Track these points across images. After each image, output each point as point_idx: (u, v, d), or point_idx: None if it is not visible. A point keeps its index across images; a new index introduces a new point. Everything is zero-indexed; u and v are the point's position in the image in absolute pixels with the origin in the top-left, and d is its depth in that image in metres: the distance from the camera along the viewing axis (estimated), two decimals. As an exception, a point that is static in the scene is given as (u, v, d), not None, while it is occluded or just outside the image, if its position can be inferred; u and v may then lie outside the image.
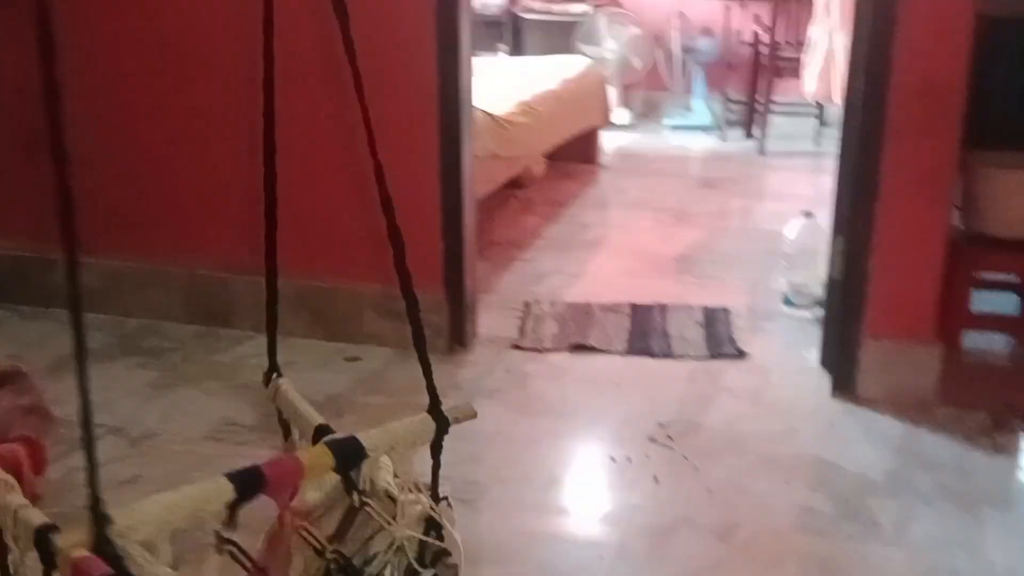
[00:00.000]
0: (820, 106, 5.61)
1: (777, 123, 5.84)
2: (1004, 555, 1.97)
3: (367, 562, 1.31)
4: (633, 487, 2.22)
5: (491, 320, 3.14)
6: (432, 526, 1.33)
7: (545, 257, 3.78)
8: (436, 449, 1.38)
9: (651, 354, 2.90)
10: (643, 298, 3.28)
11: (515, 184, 4.56)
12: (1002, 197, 2.80)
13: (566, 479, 2.28)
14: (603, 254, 3.85)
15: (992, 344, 2.98)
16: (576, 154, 5.14)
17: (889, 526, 2.07)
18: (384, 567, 1.31)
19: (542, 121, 4.16)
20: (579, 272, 3.62)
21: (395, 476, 1.36)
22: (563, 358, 2.89)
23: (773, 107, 5.61)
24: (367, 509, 1.31)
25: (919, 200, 2.44)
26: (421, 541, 1.32)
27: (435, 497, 1.36)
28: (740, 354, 2.88)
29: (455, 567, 1.33)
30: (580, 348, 2.93)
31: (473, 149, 2.92)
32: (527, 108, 4.03)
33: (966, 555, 1.97)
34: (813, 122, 5.73)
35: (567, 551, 2.04)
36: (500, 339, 3.02)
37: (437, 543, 1.33)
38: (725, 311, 3.17)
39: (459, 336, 2.94)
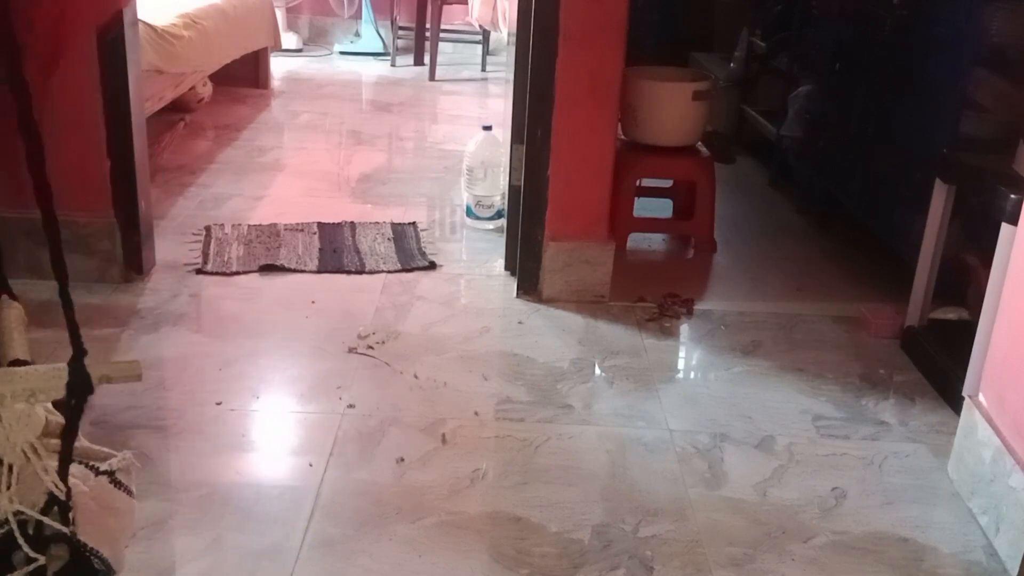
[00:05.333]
0: (486, 33, 5.78)
1: (445, 49, 5.96)
2: (677, 420, 2.19)
3: None
4: (338, 396, 2.21)
5: (169, 246, 2.96)
6: (56, 503, 1.11)
7: (222, 181, 3.61)
8: (71, 412, 1.09)
9: (344, 270, 2.87)
10: (330, 217, 3.24)
11: (181, 107, 4.29)
12: (657, 108, 3.06)
13: (268, 395, 2.22)
14: (283, 177, 3.74)
15: (652, 243, 3.29)
16: (245, 78, 4.95)
17: (579, 407, 2.23)
18: None
19: (207, 36, 3.92)
20: (260, 195, 3.49)
21: (44, 436, 1.12)
22: (253, 279, 2.79)
23: (441, 34, 5.70)
24: None
25: (590, 107, 2.60)
26: (42, 521, 1.11)
27: (64, 468, 1.12)
28: (431, 265, 2.94)
29: (65, 558, 1.13)
30: (270, 269, 2.84)
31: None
32: (190, 21, 3.79)
33: (646, 423, 2.18)
34: (479, 48, 5.90)
35: (277, 462, 1.99)
36: (181, 265, 2.85)
37: (55, 525, 1.11)
38: (413, 225, 3.21)
39: (135, 263, 2.74)
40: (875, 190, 2.97)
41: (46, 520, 1.10)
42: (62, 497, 1.10)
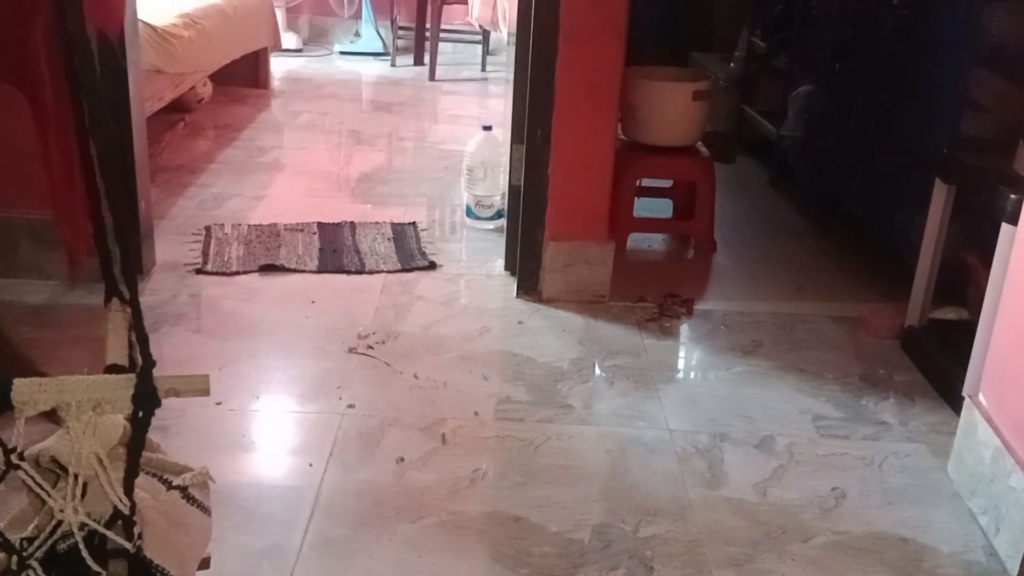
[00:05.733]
0: (486, 33, 5.78)
1: (445, 49, 5.96)
2: (677, 420, 2.19)
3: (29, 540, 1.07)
4: (338, 396, 2.21)
5: (168, 247, 2.96)
6: (120, 517, 1.08)
7: (222, 181, 3.61)
8: (137, 425, 1.04)
9: (344, 270, 2.87)
10: (330, 217, 3.24)
11: (181, 107, 4.29)
12: (657, 107, 3.06)
13: (268, 395, 2.22)
14: (283, 176, 3.74)
15: (652, 243, 3.29)
16: (245, 78, 4.94)
17: (579, 406, 2.23)
18: (40, 547, 1.07)
19: (207, 36, 3.93)
20: (260, 195, 3.49)
21: (120, 446, 1.09)
22: (253, 279, 2.79)
23: (441, 34, 5.70)
24: (20, 473, 1.05)
25: (590, 107, 2.60)
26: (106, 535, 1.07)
27: (128, 483, 1.09)
28: (431, 265, 2.94)
29: (122, 574, 1.10)
30: (270, 269, 2.84)
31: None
32: (190, 21, 3.79)
33: (646, 423, 2.18)
34: (479, 48, 5.90)
35: (277, 462, 1.99)
36: (181, 265, 2.85)
37: (118, 539, 1.08)
38: (413, 225, 3.21)
39: (136, 263, 2.73)
40: (875, 190, 2.97)
41: (109, 534, 1.08)
42: (125, 511, 1.08)
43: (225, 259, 2.88)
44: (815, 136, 3.47)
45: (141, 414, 1.04)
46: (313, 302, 2.67)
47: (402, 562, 1.70)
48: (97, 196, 1.32)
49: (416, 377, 2.31)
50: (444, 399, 2.23)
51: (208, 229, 3.09)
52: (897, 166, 2.82)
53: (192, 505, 1.25)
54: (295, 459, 2.00)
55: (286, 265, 2.86)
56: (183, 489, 1.24)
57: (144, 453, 1.16)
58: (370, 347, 2.44)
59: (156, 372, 1.05)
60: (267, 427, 2.12)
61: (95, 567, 1.08)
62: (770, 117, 3.94)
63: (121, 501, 1.08)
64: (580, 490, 1.93)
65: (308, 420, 2.13)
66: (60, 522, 1.06)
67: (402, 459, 1.99)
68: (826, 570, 1.75)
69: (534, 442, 2.08)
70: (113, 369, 1.16)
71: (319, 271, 2.86)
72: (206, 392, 1.07)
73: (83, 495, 1.08)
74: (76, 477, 1.05)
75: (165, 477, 1.23)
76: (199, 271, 2.81)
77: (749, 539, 1.81)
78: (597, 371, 2.40)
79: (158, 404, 1.04)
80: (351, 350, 2.42)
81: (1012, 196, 1.99)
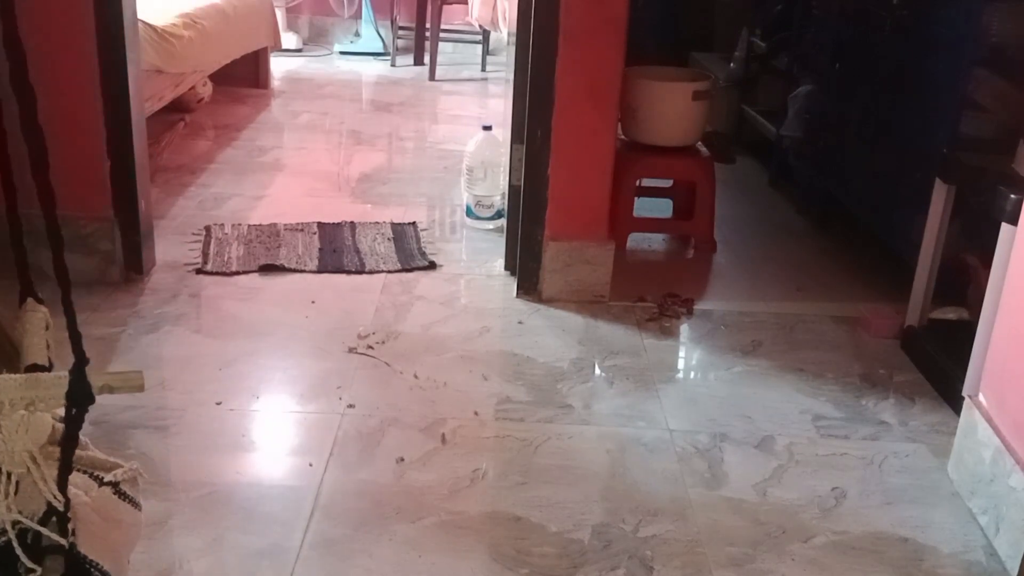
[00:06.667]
0: (486, 33, 5.78)
1: (445, 49, 5.96)
2: (677, 420, 2.19)
3: None
4: (338, 396, 2.21)
5: (169, 246, 2.96)
6: (55, 514, 1.08)
7: (222, 181, 3.61)
8: (70, 422, 1.05)
9: (344, 270, 2.87)
10: (330, 217, 3.24)
11: (181, 107, 4.30)
12: (657, 107, 3.06)
13: (268, 395, 2.22)
14: (283, 176, 3.74)
15: (652, 243, 3.29)
16: (245, 78, 4.95)
17: (579, 407, 2.23)
18: None
19: (207, 36, 3.93)
20: (260, 195, 3.49)
21: (47, 444, 1.09)
22: (253, 279, 2.79)
23: (441, 34, 5.70)
24: None
25: (590, 107, 2.60)
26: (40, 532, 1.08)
27: (63, 480, 1.09)
28: (431, 265, 2.94)
29: (59, 571, 1.10)
30: (270, 269, 2.84)
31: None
32: (190, 21, 3.79)
33: (646, 423, 2.18)
34: (479, 48, 5.90)
35: (277, 462, 1.99)
36: (181, 265, 2.85)
37: (52, 536, 1.08)
38: (413, 225, 3.21)
39: (135, 263, 2.74)
40: (875, 190, 2.97)
41: (43, 531, 1.08)
42: (60, 508, 1.08)
43: (225, 259, 2.88)
44: (815, 136, 3.47)
45: (75, 411, 1.04)
46: (313, 302, 2.67)
47: (402, 562, 1.70)
48: (13, 194, 1.31)
49: (416, 377, 2.31)
50: (444, 399, 2.23)
51: (208, 229, 3.09)
52: (897, 166, 2.81)
53: (124, 501, 1.25)
54: (295, 459, 2.00)
55: (286, 265, 2.86)
56: (115, 485, 1.23)
57: (84, 453, 1.16)
58: (370, 347, 2.43)
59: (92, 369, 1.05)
60: (267, 427, 2.12)
61: (29, 564, 1.08)
62: (770, 117, 3.94)
63: (56, 498, 1.07)
64: (580, 490, 1.93)
65: (308, 420, 2.13)
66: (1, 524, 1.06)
67: (402, 459, 1.99)
68: (826, 570, 1.75)
69: (534, 442, 2.08)
70: (34, 369, 1.16)
71: (319, 271, 2.86)
72: (140, 388, 1.06)
73: (15, 493, 1.08)
74: (9, 475, 1.05)
75: (96, 474, 1.22)
76: (199, 271, 2.81)
77: (749, 539, 1.81)
78: (597, 371, 2.40)
79: (92, 401, 1.04)
80: (351, 350, 2.42)
81: (1012, 196, 1.99)
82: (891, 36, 2.90)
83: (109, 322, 2.48)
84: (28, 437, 1.07)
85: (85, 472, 1.21)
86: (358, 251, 2.99)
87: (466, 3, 5.58)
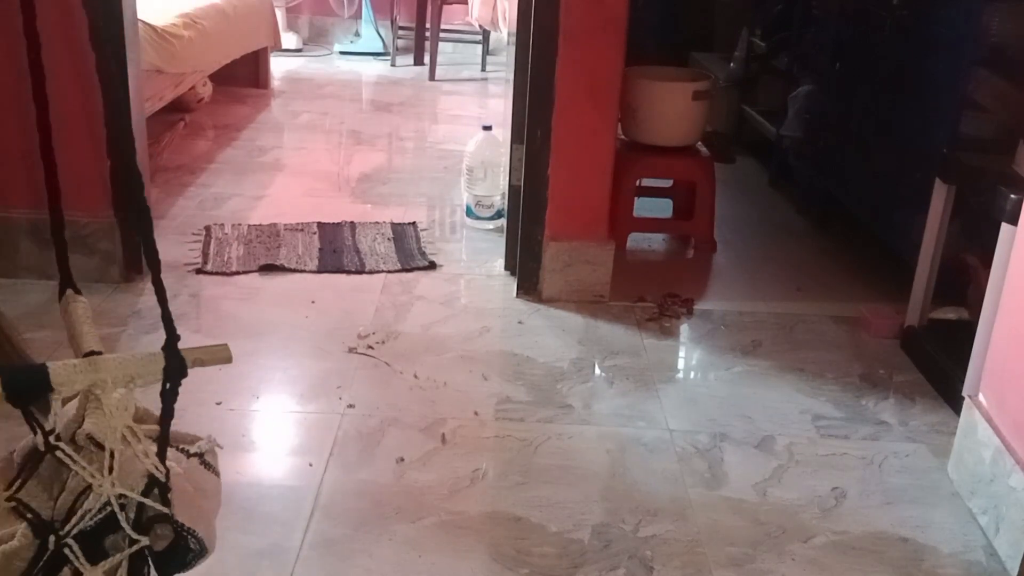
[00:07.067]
0: (486, 33, 5.78)
1: (445, 49, 5.96)
2: (677, 420, 2.19)
3: (66, 518, 1.12)
4: (338, 396, 2.21)
5: (169, 246, 2.96)
6: (156, 485, 1.12)
7: (222, 181, 3.61)
8: (167, 396, 1.11)
9: (344, 270, 2.87)
10: (330, 217, 3.24)
11: (181, 107, 4.30)
12: (657, 108, 3.06)
13: (268, 395, 2.22)
14: (283, 176, 3.74)
15: (652, 243, 3.29)
16: (245, 78, 4.95)
17: (579, 406, 2.23)
18: (78, 524, 1.11)
19: (207, 36, 3.93)
20: (260, 195, 3.49)
21: (134, 421, 1.12)
22: (253, 279, 2.79)
23: (441, 34, 5.70)
24: (59, 455, 1.11)
25: (590, 107, 2.60)
26: (142, 503, 1.11)
27: (162, 451, 1.15)
28: (431, 265, 2.94)
29: (170, 537, 1.15)
30: (270, 269, 2.84)
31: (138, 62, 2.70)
32: (190, 21, 3.79)
33: (646, 423, 2.18)
34: (479, 48, 5.90)
35: (277, 462, 1.99)
36: (181, 265, 2.85)
37: (156, 506, 1.12)
38: (413, 225, 3.21)
39: (135, 263, 2.74)
40: (875, 190, 2.97)
41: (147, 501, 1.11)
42: (162, 479, 1.12)
43: (225, 259, 2.88)
44: (815, 136, 3.47)
45: (169, 385, 1.09)
46: (313, 302, 2.67)
47: (402, 562, 1.70)
48: (56, 189, 1.34)
49: (416, 377, 2.31)
50: (444, 399, 2.23)
51: (208, 229, 3.09)
52: (897, 166, 2.81)
53: (209, 471, 1.30)
54: (295, 459, 2.00)
55: (286, 265, 2.86)
56: (200, 456, 1.27)
57: (152, 427, 1.19)
58: (370, 347, 2.44)
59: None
60: (267, 427, 2.12)
61: (135, 535, 1.11)
62: (770, 117, 3.94)
63: (157, 469, 1.11)
64: (580, 490, 1.93)
65: (308, 420, 2.13)
66: (106, 499, 1.09)
67: (402, 459, 1.99)
68: (826, 570, 1.75)
69: (534, 442, 2.08)
70: (91, 355, 1.18)
71: (319, 271, 2.86)
72: (228, 360, 1.11)
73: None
74: (112, 453, 1.09)
75: (181, 447, 1.27)
76: (199, 271, 2.81)
77: (749, 539, 1.81)
78: (597, 371, 2.40)
79: (185, 375, 1.09)
80: (351, 350, 2.42)
81: (1012, 196, 1.99)
82: (891, 36, 2.90)
83: (109, 322, 2.48)
84: (126, 414, 1.12)
85: (172, 446, 1.25)
86: (358, 251, 2.99)
87: (466, 3, 5.58)
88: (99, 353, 1.20)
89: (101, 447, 1.10)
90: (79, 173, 2.63)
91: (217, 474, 1.32)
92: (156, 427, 1.20)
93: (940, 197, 2.41)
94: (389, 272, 2.88)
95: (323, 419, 2.12)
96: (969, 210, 2.39)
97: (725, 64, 4.44)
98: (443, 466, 1.98)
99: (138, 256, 2.74)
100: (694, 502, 1.91)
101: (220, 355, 1.13)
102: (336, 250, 2.99)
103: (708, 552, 1.77)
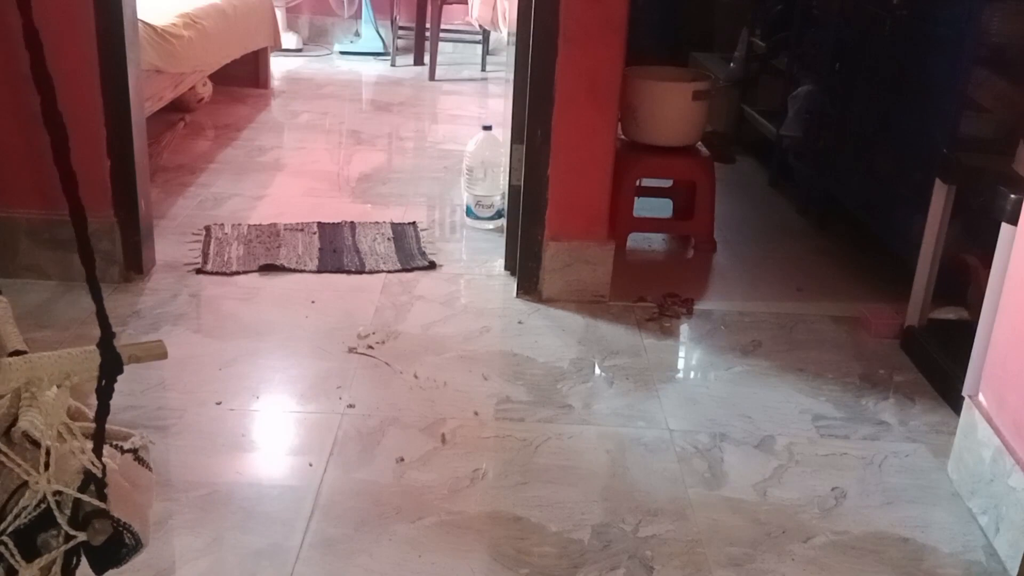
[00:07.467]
0: (486, 33, 5.78)
1: (445, 49, 5.96)
2: (677, 420, 2.19)
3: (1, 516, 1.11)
4: (338, 396, 2.21)
5: (169, 246, 2.96)
6: (92, 481, 1.12)
7: (222, 181, 3.61)
8: (102, 393, 1.11)
9: (344, 270, 2.87)
10: (330, 217, 3.24)
11: (181, 107, 4.30)
12: (657, 108, 3.06)
13: (268, 395, 2.22)
14: (283, 176, 3.74)
15: (652, 243, 3.29)
16: (245, 78, 4.95)
17: (579, 406, 2.23)
18: (13, 522, 1.10)
19: (207, 36, 3.93)
20: (260, 195, 3.49)
21: (69, 419, 1.13)
22: (253, 279, 2.79)
23: (441, 33, 5.70)
24: None
25: (590, 107, 2.60)
26: (79, 499, 1.11)
27: (98, 447, 1.14)
28: (431, 265, 2.94)
29: (109, 532, 1.15)
30: (270, 268, 2.84)
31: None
32: (190, 21, 3.79)
33: (646, 423, 2.18)
34: (479, 48, 5.90)
35: (277, 461, 1.99)
36: (181, 265, 2.85)
37: (93, 501, 1.12)
38: (413, 225, 3.21)
39: (135, 263, 2.74)
40: (875, 190, 2.97)
41: (84, 497, 1.11)
42: (99, 475, 1.11)
43: (225, 259, 2.88)
44: (815, 136, 3.47)
45: (105, 382, 1.09)
46: (313, 302, 2.67)
47: (402, 562, 1.70)
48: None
49: (416, 377, 2.31)
50: (444, 399, 2.23)
51: (208, 229, 3.09)
52: (897, 166, 2.81)
53: (143, 466, 1.30)
54: (295, 459, 2.00)
55: (286, 265, 2.86)
56: (134, 451, 1.27)
57: (87, 424, 1.19)
58: (370, 347, 2.44)
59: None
60: (267, 427, 2.12)
61: (71, 531, 1.11)
62: (770, 117, 3.94)
63: (94, 465, 1.11)
64: (580, 490, 1.93)
65: (308, 420, 2.13)
66: (42, 495, 1.09)
67: (402, 459, 1.99)
68: (826, 570, 1.75)
69: (534, 442, 2.08)
70: (16, 355, 1.19)
71: (319, 271, 2.86)
72: (164, 356, 1.11)
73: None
74: (48, 450, 1.09)
75: (115, 443, 1.28)
76: (199, 271, 2.81)
77: (749, 539, 1.81)
78: (597, 371, 2.40)
79: (121, 371, 1.10)
80: (351, 350, 2.42)
81: (1012, 196, 1.99)
82: (891, 36, 2.90)
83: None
84: (62, 411, 1.12)
85: (106, 442, 1.25)
86: (358, 251, 2.99)
87: (466, 3, 5.58)
88: (24, 352, 1.20)
89: (36, 444, 1.10)
90: (79, 173, 2.62)
91: (151, 469, 1.32)
92: (90, 424, 1.21)
93: (940, 197, 2.41)
94: (389, 272, 2.88)
95: (323, 419, 2.12)
96: (969, 210, 2.39)
97: (725, 64, 4.45)
98: (443, 466, 1.98)
99: (138, 256, 2.74)
100: (694, 502, 1.91)
101: (155, 351, 1.13)
102: (336, 250, 2.99)
103: (708, 552, 1.77)
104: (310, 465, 1.96)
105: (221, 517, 1.79)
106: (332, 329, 2.52)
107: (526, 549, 1.75)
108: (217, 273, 2.80)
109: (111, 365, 1.08)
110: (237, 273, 2.81)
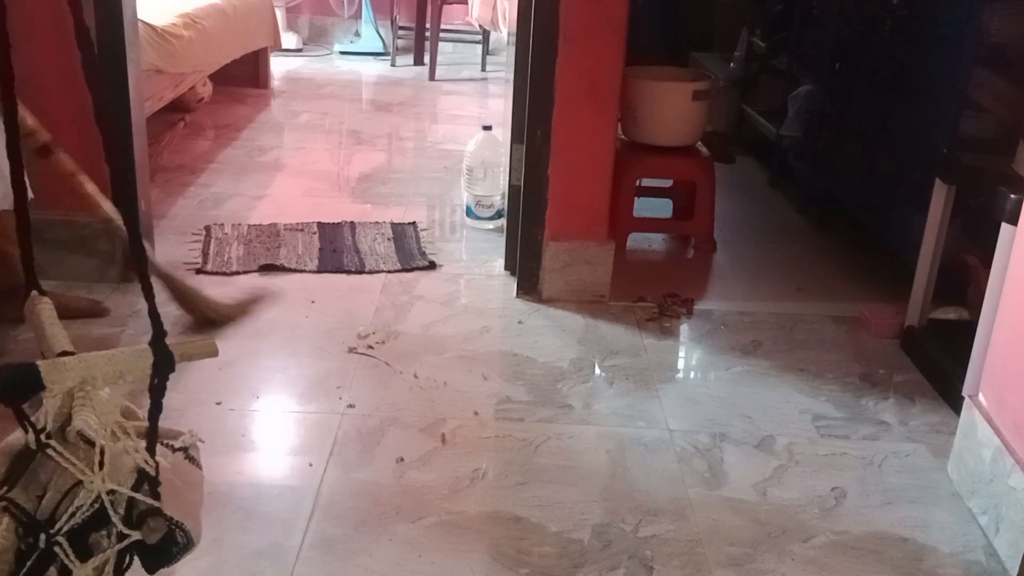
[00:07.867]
0: (486, 33, 5.78)
1: (445, 49, 5.96)
2: (677, 420, 2.19)
3: (51, 516, 1.12)
4: (338, 396, 2.21)
5: (169, 246, 2.96)
6: (146, 479, 1.13)
7: (222, 181, 3.61)
8: (156, 391, 1.13)
9: (344, 270, 2.87)
10: (330, 217, 3.24)
11: (181, 107, 4.30)
12: (657, 108, 3.06)
13: (268, 395, 2.22)
14: (283, 176, 3.74)
15: (652, 243, 3.29)
16: (245, 78, 4.95)
17: (579, 406, 2.23)
18: (69, 522, 1.11)
19: (207, 36, 3.93)
20: (260, 195, 3.49)
21: (122, 417, 1.14)
22: (253, 279, 2.79)
23: (441, 33, 5.70)
24: (50, 452, 1.10)
25: (590, 107, 2.60)
26: (132, 498, 1.12)
27: (151, 446, 1.15)
28: (431, 265, 2.94)
29: (163, 530, 1.15)
30: (270, 268, 2.84)
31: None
32: (190, 21, 3.79)
33: (646, 423, 2.18)
34: (479, 48, 5.90)
35: (277, 461, 1.99)
36: (181, 265, 2.85)
37: (147, 500, 1.13)
38: (413, 225, 3.21)
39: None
40: (875, 190, 2.97)
41: (138, 496, 1.12)
42: (152, 474, 1.12)
43: (225, 259, 2.88)
44: (815, 136, 3.47)
45: (158, 380, 1.11)
46: (313, 302, 2.67)
47: (402, 562, 1.70)
48: (23, 189, 1.34)
49: (416, 377, 2.31)
50: (444, 399, 2.23)
51: (208, 229, 3.09)
52: (897, 166, 2.81)
53: (193, 465, 1.31)
54: (295, 459, 2.00)
55: (286, 265, 2.86)
56: (185, 450, 1.28)
57: (138, 423, 1.19)
58: (370, 347, 2.43)
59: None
60: (267, 427, 2.12)
61: (125, 530, 1.12)
62: (770, 117, 3.94)
63: (147, 464, 1.11)
64: (580, 490, 1.93)
65: (308, 420, 2.13)
66: (97, 495, 1.10)
67: (402, 459, 1.99)
68: (826, 570, 1.75)
69: (534, 442, 2.08)
70: (64, 355, 1.18)
71: (319, 271, 2.86)
72: (215, 354, 1.14)
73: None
74: (102, 449, 1.09)
75: (166, 442, 1.28)
76: (199, 271, 2.81)
77: (749, 539, 1.81)
78: (597, 371, 2.40)
79: (173, 369, 1.11)
80: (351, 350, 2.42)
81: (1012, 196, 1.99)
82: (891, 36, 2.90)
83: (109, 322, 2.48)
84: (116, 410, 1.13)
85: (158, 441, 1.26)
86: (358, 251, 2.99)
87: (466, 3, 5.58)
88: (72, 352, 1.20)
89: (90, 443, 1.10)
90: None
91: (200, 468, 1.33)
92: (141, 423, 1.21)
93: (940, 197, 2.41)
94: (389, 272, 2.88)
95: (323, 419, 2.12)
96: (969, 210, 2.39)
97: (725, 64, 4.45)
98: (443, 466, 1.98)
99: (138, 256, 2.74)
100: (694, 502, 1.91)
101: (207, 349, 1.15)
102: (336, 250, 2.99)
103: (708, 552, 1.77)
104: (310, 465, 1.96)
105: (221, 517, 1.79)
106: (332, 329, 2.52)
107: (526, 549, 1.75)
108: (217, 273, 2.80)
109: (163, 364, 1.09)
110: (237, 273, 2.81)
